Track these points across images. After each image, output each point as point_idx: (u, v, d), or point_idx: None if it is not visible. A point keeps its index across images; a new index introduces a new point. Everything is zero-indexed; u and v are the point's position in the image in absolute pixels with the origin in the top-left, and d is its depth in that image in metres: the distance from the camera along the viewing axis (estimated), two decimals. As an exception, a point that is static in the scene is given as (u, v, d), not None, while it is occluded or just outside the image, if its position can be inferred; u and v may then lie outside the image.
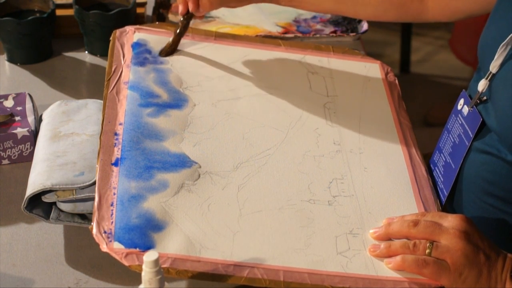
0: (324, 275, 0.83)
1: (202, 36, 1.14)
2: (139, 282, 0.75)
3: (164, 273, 0.78)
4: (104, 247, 0.82)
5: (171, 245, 0.83)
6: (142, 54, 1.07)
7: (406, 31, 2.66)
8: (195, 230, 0.85)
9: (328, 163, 0.97)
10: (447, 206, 0.99)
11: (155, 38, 1.11)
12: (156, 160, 0.92)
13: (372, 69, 1.15)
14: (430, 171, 1.03)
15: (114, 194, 0.87)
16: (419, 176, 0.97)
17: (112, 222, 0.83)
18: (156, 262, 0.73)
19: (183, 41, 1.11)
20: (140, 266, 0.79)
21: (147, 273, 0.74)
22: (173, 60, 1.08)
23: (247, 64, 1.11)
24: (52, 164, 0.95)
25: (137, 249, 0.81)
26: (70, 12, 1.32)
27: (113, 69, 1.03)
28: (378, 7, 1.12)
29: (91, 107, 1.05)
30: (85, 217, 0.95)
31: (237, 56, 1.12)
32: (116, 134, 0.94)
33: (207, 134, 0.97)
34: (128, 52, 1.07)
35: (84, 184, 0.92)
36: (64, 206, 0.94)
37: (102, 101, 1.06)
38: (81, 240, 0.95)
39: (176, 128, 0.97)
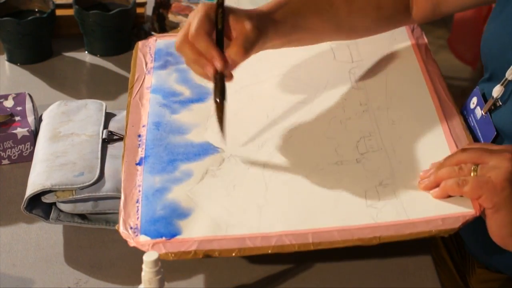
0: (354, 229, 0.82)
1: None
2: (139, 282, 0.75)
3: (192, 256, 0.80)
4: (131, 242, 0.82)
5: (197, 229, 0.83)
6: (163, 58, 1.08)
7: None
8: (220, 211, 0.85)
9: (354, 124, 0.96)
10: None
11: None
12: (180, 152, 0.92)
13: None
14: None
15: (139, 191, 0.87)
16: (449, 115, 0.95)
17: (138, 218, 0.84)
18: (156, 262, 0.73)
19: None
20: (167, 254, 0.80)
21: (147, 273, 0.74)
22: None
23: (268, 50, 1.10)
24: (52, 165, 0.95)
25: (163, 238, 0.82)
26: (70, 12, 1.32)
27: (135, 78, 1.04)
28: (371, 26, 1.07)
29: (91, 108, 1.05)
30: (85, 217, 0.95)
31: None
32: (139, 136, 0.95)
33: (231, 119, 0.96)
34: (150, 60, 1.08)
35: (84, 185, 0.92)
36: (64, 207, 0.94)
37: (101, 102, 1.07)
38: (81, 240, 0.95)
39: (199, 120, 0.97)
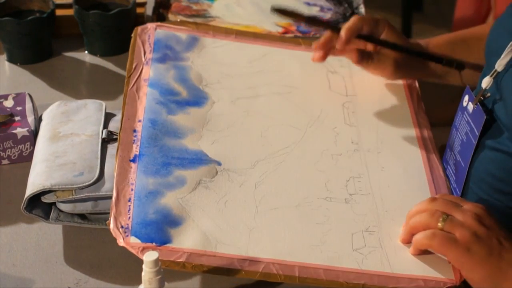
0: (340, 271, 0.83)
1: (222, 34, 1.14)
2: (139, 282, 0.75)
3: (180, 267, 0.80)
4: (120, 241, 0.82)
5: (188, 240, 0.83)
6: (162, 50, 1.08)
7: (406, 32, 2.65)
8: (211, 226, 0.85)
9: (345, 161, 0.97)
10: None
11: (176, 35, 1.12)
12: (174, 157, 0.92)
13: None
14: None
15: (132, 190, 0.87)
16: (436, 177, 0.98)
17: (129, 217, 0.84)
18: (156, 262, 0.73)
19: (204, 38, 1.12)
20: None
21: (147, 273, 0.74)
22: (194, 57, 1.09)
23: (267, 63, 1.11)
24: (52, 165, 0.95)
25: (154, 244, 0.82)
26: (70, 12, 1.32)
27: (133, 66, 1.04)
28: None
29: (90, 108, 1.05)
30: (85, 217, 0.95)
31: (257, 54, 1.12)
32: (135, 131, 0.95)
33: (226, 131, 0.98)
34: (149, 50, 1.07)
35: (84, 184, 0.92)
36: (63, 206, 0.94)
37: (101, 102, 1.06)
38: (81, 240, 0.95)
39: (195, 126, 0.98)
